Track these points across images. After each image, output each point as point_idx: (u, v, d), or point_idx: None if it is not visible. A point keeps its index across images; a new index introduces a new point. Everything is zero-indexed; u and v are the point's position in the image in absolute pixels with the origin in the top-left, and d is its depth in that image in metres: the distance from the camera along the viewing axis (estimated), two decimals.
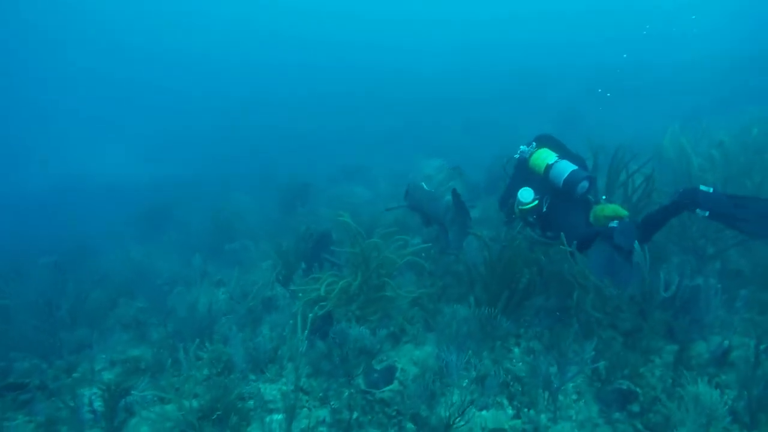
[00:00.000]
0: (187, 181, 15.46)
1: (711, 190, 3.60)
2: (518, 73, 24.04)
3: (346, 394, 4.01)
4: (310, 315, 4.26)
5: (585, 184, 4.14)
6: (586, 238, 3.85)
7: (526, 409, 3.71)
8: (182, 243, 9.88)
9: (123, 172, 19.07)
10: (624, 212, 3.95)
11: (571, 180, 4.11)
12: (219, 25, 49.58)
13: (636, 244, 3.55)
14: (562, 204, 4.26)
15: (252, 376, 4.50)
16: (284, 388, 4.30)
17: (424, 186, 6.17)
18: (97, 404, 4.30)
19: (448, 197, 5.37)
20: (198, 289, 5.90)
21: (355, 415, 3.78)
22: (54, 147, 24.03)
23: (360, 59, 35.74)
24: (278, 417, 3.96)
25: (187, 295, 5.85)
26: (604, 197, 4.42)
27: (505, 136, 12.23)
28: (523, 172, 4.63)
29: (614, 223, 3.81)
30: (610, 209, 3.99)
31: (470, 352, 4.11)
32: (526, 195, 4.31)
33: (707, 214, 3.54)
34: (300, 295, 4.77)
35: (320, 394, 4.13)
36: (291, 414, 3.74)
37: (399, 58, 34.34)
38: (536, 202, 4.31)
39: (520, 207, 4.38)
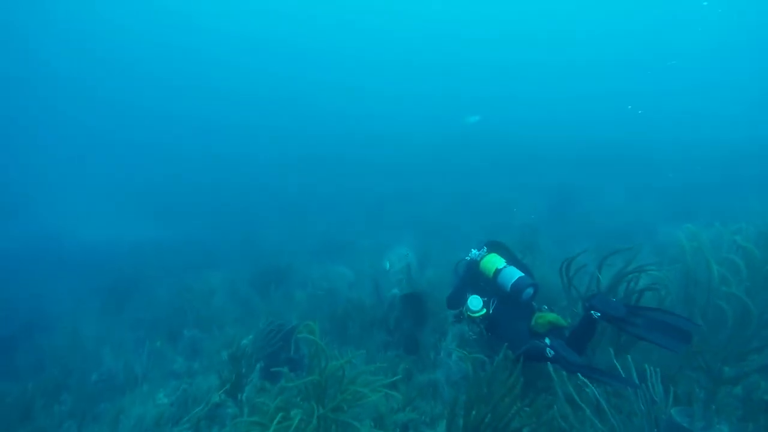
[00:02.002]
0: (163, 247, 14.76)
1: (614, 299, 4.02)
2: (512, 143, 24.05)
3: None
4: None
5: (530, 290, 4.40)
6: (529, 352, 3.92)
7: None
8: (143, 322, 9.06)
9: (100, 232, 18.42)
10: (563, 322, 4.16)
11: (518, 286, 4.36)
12: (208, 78, 50.56)
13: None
14: (508, 308, 4.48)
15: None
16: None
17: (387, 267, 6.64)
18: None
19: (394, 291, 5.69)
20: (133, 395, 4.99)
21: None
22: (32, 202, 23.36)
23: (354, 123, 35.97)
24: None
25: (118, 401, 4.94)
26: (545, 306, 4.55)
27: (495, 217, 11.78)
28: (473, 274, 4.87)
29: (547, 340, 3.94)
30: (550, 317, 4.17)
31: None
32: (475, 303, 4.53)
33: (599, 315, 3.81)
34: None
35: None
36: None
37: (393, 122, 34.66)
38: (484, 311, 4.52)
39: (468, 313, 4.59)
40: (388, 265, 6.40)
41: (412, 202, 17.35)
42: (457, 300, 4.97)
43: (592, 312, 3.84)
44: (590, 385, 3.51)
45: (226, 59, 52.46)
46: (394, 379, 4.20)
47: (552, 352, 3.82)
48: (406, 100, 41.90)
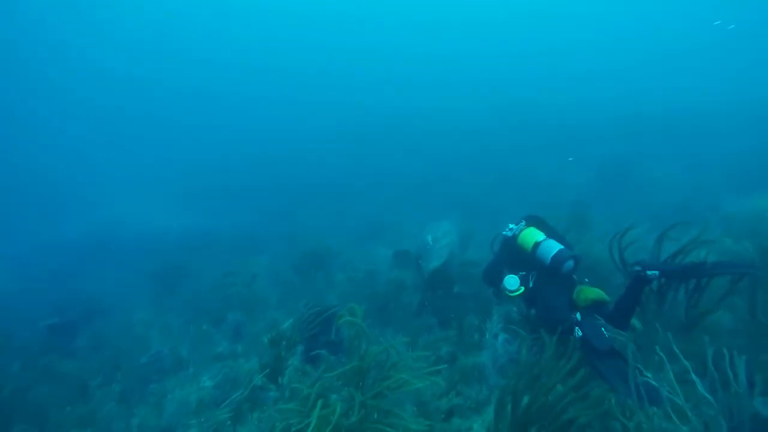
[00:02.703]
0: (210, 233, 15.12)
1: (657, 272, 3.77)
2: (557, 120, 22.94)
3: None
4: None
5: (570, 263, 4.27)
6: (559, 326, 3.77)
7: None
8: (190, 306, 9.27)
9: (152, 221, 19.20)
10: (606, 297, 4.02)
11: (558, 258, 4.24)
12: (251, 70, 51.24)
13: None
14: (548, 282, 4.38)
15: None
16: None
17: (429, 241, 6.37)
18: None
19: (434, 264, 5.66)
20: (179, 377, 5.04)
21: None
22: (95, 192, 24.59)
23: (398, 103, 35.39)
24: None
25: (165, 383, 5.01)
26: (587, 279, 4.43)
27: (543, 195, 11.21)
28: (510, 249, 4.79)
29: (578, 316, 3.86)
30: (593, 293, 4.04)
31: None
32: (512, 282, 4.47)
33: (657, 273, 3.73)
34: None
35: None
36: None
37: (436, 104, 33.95)
38: (522, 289, 4.46)
39: (506, 293, 4.53)
40: (430, 239, 6.17)
41: (456, 183, 16.89)
42: (492, 275, 4.97)
43: (648, 272, 3.72)
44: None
45: (267, 44, 53.25)
46: (439, 368, 3.96)
47: (580, 333, 3.71)
48: (448, 83, 40.82)
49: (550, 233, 4.64)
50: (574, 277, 4.42)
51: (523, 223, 4.80)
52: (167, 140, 36.31)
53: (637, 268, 3.82)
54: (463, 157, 19.66)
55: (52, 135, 40.08)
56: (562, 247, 4.35)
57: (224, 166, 26.04)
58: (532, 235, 4.53)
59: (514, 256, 4.68)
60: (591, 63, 40.93)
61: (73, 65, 47.60)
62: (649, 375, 3.19)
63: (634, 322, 4.22)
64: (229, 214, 17.41)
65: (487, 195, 14.32)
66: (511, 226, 4.87)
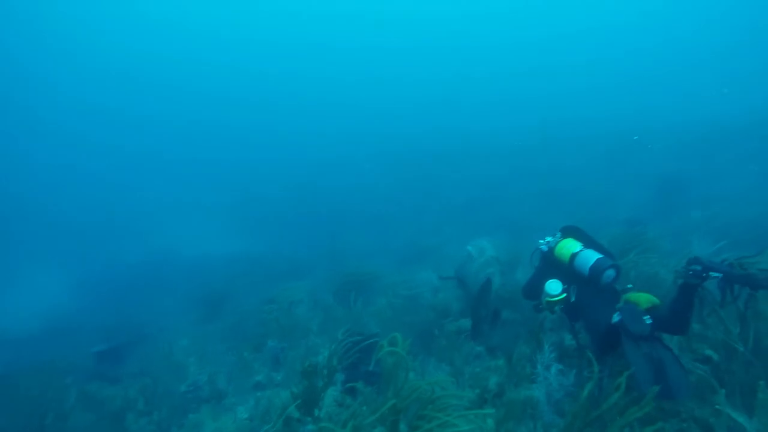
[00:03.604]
0: (252, 260, 15.31)
1: (720, 275, 3.43)
2: (608, 137, 22.02)
3: None
4: None
5: (611, 272, 4.08)
6: (605, 337, 3.68)
7: None
8: (230, 333, 9.25)
9: (204, 247, 19.71)
10: (656, 300, 3.75)
11: (597, 268, 4.06)
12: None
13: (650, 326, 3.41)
14: (591, 294, 4.16)
15: None
16: None
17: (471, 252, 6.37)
18: None
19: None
20: (216, 407, 4.86)
21: None
22: (147, 220, 25.65)
23: (443, 127, 35.20)
24: None
25: (202, 413, 4.84)
26: (630, 285, 4.16)
27: (594, 212, 10.58)
28: (549, 263, 4.64)
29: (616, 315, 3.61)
30: (643, 298, 3.79)
31: None
32: (554, 287, 4.26)
33: (721, 276, 3.42)
34: None
35: None
36: None
37: (480, 125, 33.57)
38: (564, 294, 4.25)
39: (547, 299, 4.32)
40: (471, 249, 6.18)
41: (502, 204, 16.41)
42: (533, 289, 4.75)
43: (712, 273, 3.41)
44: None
45: (295, 69, 54.70)
46: (486, 412, 3.57)
47: (618, 317, 3.54)
48: (490, 104, 40.59)
49: (588, 243, 4.47)
50: (617, 287, 4.21)
51: (559, 234, 4.68)
52: (211, 167, 37.66)
53: (697, 267, 3.47)
54: (508, 177, 19.16)
55: (108, 167, 42.38)
56: (601, 256, 4.16)
57: (268, 191, 26.60)
58: (569, 247, 4.39)
59: (554, 270, 4.50)
60: (635, 74, 39.60)
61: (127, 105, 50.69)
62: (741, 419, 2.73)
63: (710, 352, 3.88)
64: (272, 239, 17.60)
65: (535, 214, 13.75)
66: (548, 239, 4.73)
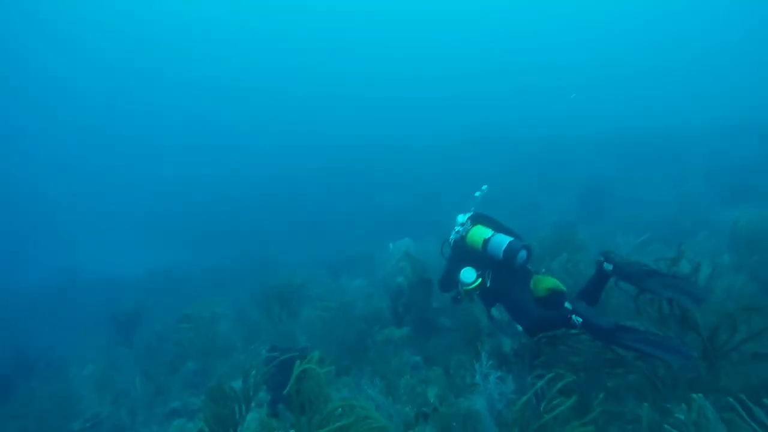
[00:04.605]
0: (177, 273, 14.17)
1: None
2: (532, 140, 22.67)
3: None
4: None
5: (524, 253, 4.27)
6: (542, 322, 3.85)
7: None
8: (147, 355, 8.32)
9: (119, 262, 18.13)
10: (562, 286, 4.14)
11: (510, 250, 4.21)
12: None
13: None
14: (506, 276, 4.34)
15: None
16: None
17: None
18: None
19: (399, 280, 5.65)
20: None
21: None
22: (56, 237, 23.30)
23: (366, 133, 34.89)
24: None
25: None
26: (544, 270, 4.53)
27: (524, 217, 10.70)
28: (461, 252, 4.70)
29: (567, 305, 3.67)
30: (549, 281, 4.18)
31: None
32: (468, 275, 4.42)
33: (611, 268, 3.82)
34: None
35: None
36: None
37: (406, 131, 33.49)
38: (479, 280, 4.41)
39: (464, 288, 4.45)
40: (391, 246, 6.42)
41: (436, 210, 16.30)
42: (448, 280, 4.83)
43: (605, 264, 3.85)
44: None
45: (235, 78, 52.65)
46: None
47: (579, 320, 3.51)
48: (413, 106, 40.82)
49: (498, 228, 4.60)
50: (530, 267, 4.43)
51: (468, 222, 4.71)
52: (131, 177, 35.13)
53: (600, 258, 3.93)
54: (441, 180, 19.13)
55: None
56: (513, 238, 4.32)
57: (190, 202, 24.98)
58: (480, 233, 4.49)
59: (467, 258, 4.58)
60: (566, 80, 41.55)
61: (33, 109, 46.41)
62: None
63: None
64: (196, 251, 16.46)
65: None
66: (457, 228, 4.77)
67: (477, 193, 5.16)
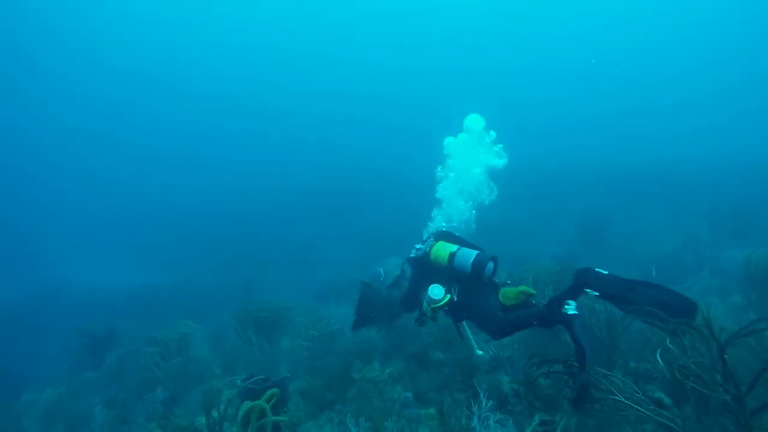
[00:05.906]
0: (156, 293, 13.63)
1: (606, 272, 3.75)
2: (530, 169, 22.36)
3: None
4: None
5: (491, 265, 4.28)
6: (513, 323, 3.99)
7: None
8: (116, 380, 7.76)
9: (100, 278, 17.49)
10: (531, 290, 4.16)
11: (478, 262, 4.21)
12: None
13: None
14: (473, 289, 4.33)
15: None
16: None
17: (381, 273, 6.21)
18: None
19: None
20: None
21: None
22: (36, 252, 22.56)
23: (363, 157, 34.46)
24: None
25: None
26: (509, 282, 4.49)
27: (521, 248, 10.40)
28: (424, 269, 4.64)
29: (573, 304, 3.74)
30: (518, 288, 4.18)
31: None
32: (437, 292, 4.32)
33: (597, 294, 3.69)
34: None
35: None
36: None
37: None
38: (448, 297, 4.34)
39: (432, 305, 4.36)
40: (382, 272, 6.10)
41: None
42: (412, 299, 4.74)
43: (588, 290, 3.70)
44: None
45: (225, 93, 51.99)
46: None
47: (575, 312, 3.64)
48: (405, 129, 40.35)
49: (462, 243, 4.60)
50: (495, 280, 4.43)
51: (431, 239, 4.71)
52: (117, 193, 34.44)
53: (579, 280, 3.76)
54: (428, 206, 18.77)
55: None
56: (479, 251, 4.34)
57: (175, 221, 24.37)
58: (445, 248, 4.46)
59: (431, 275, 4.51)
60: (568, 113, 41.35)
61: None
62: None
63: (660, 395, 3.56)
64: (178, 272, 15.87)
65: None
66: (417, 246, 4.77)
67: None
